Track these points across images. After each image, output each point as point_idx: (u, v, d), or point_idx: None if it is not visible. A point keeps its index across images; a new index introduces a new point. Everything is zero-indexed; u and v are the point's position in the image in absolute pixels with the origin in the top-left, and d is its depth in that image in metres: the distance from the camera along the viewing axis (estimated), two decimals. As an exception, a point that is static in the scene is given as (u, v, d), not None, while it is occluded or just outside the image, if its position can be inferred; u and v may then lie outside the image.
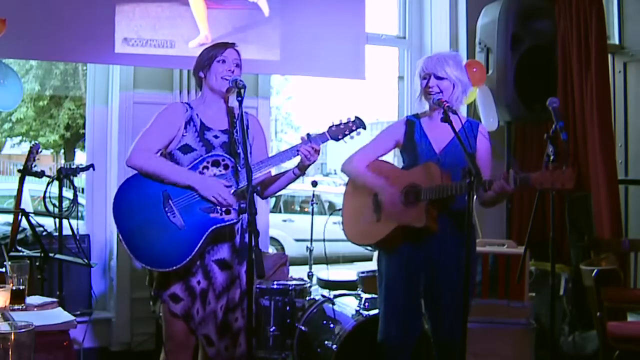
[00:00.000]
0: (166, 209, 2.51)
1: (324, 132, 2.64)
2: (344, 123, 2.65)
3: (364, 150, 2.96)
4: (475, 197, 2.65)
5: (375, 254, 4.33)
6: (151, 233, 2.49)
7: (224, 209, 2.50)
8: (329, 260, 3.92)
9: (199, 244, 2.47)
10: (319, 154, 2.59)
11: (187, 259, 2.46)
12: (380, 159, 2.97)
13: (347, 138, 2.66)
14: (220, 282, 2.59)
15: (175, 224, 2.49)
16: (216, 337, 2.59)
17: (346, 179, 3.11)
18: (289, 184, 2.72)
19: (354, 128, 2.65)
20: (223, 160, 2.57)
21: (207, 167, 2.56)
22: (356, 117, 2.67)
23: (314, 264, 4.07)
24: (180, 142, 2.59)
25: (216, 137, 2.61)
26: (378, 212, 2.89)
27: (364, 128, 2.67)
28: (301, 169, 2.65)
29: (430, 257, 2.83)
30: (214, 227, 2.50)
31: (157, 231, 2.49)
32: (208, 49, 2.66)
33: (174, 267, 2.46)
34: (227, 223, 2.51)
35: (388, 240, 2.83)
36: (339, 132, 2.64)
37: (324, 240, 3.42)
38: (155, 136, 2.59)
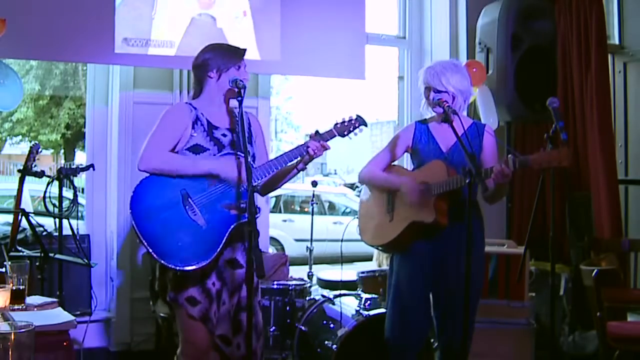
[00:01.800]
0: (186, 207, 2.51)
1: (331, 129, 2.73)
2: (348, 121, 2.74)
3: (377, 158, 3.09)
4: (476, 193, 2.69)
5: (375, 252, 4.37)
6: (173, 233, 2.47)
7: (244, 205, 2.51)
8: (328, 260, 3.93)
9: (224, 240, 2.49)
10: (325, 150, 2.69)
11: (214, 256, 2.47)
12: (392, 164, 3.08)
13: (351, 135, 2.76)
14: (232, 281, 2.60)
15: (197, 222, 2.49)
16: (232, 335, 2.61)
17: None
18: (292, 178, 2.81)
19: (357, 125, 2.75)
20: (237, 158, 2.59)
21: None
22: (358, 116, 2.77)
23: (314, 264, 4.08)
24: (189, 142, 2.59)
25: (224, 135, 2.64)
26: (391, 213, 2.96)
27: (366, 125, 2.78)
28: (306, 163, 2.70)
29: (443, 255, 2.87)
30: (237, 223, 2.51)
31: (179, 231, 2.47)
32: (223, 52, 2.66)
33: (201, 264, 2.45)
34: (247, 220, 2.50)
35: (401, 238, 2.88)
36: (344, 129, 2.73)
37: (341, 240, 3.46)
38: (164, 138, 2.58)
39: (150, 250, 2.44)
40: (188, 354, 2.60)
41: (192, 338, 2.57)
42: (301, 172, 2.81)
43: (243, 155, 2.56)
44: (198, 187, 2.53)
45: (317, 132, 2.69)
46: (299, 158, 2.66)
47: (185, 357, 2.61)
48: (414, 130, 3.03)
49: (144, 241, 2.45)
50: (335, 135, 2.72)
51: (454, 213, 2.82)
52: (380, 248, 3.15)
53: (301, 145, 2.66)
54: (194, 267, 2.45)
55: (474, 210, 2.92)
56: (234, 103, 2.69)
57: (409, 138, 3.02)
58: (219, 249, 2.48)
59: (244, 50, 2.70)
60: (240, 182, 2.53)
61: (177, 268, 2.46)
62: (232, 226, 2.51)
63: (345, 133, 2.73)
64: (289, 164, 2.66)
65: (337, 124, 2.73)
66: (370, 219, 3.06)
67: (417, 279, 2.89)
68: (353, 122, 2.73)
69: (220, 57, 2.64)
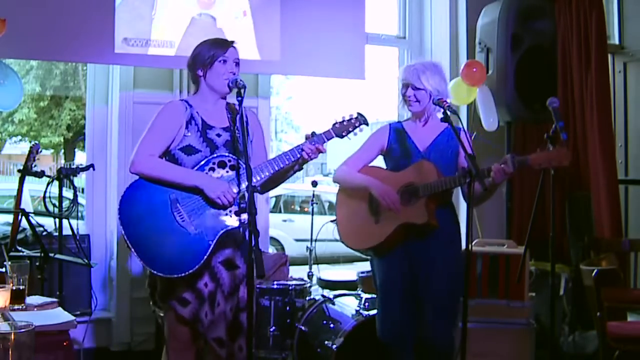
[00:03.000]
0: (175, 213, 2.47)
1: (329, 130, 2.65)
2: (347, 120, 2.67)
3: (351, 159, 3.03)
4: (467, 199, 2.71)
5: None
6: (161, 239, 2.43)
7: (233, 210, 2.48)
8: (328, 260, 3.93)
9: (211, 248, 2.44)
10: (320, 153, 2.62)
11: (200, 263, 2.43)
12: (369, 165, 3.03)
13: (350, 135, 2.68)
14: (228, 283, 2.57)
15: (185, 229, 2.45)
16: (228, 338, 2.56)
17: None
18: (288, 178, 2.76)
19: (357, 125, 2.67)
20: (229, 161, 2.55)
21: (213, 169, 2.53)
22: (359, 114, 2.68)
23: (314, 264, 4.07)
24: (182, 143, 2.55)
25: (219, 135, 2.59)
26: (376, 215, 2.91)
27: (367, 124, 2.69)
28: (301, 165, 2.66)
29: (427, 255, 2.86)
30: (225, 229, 2.48)
31: (166, 237, 2.44)
32: (207, 46, 2.62)
33: (187, 272, 2.41)
34: (237, 227, 2.49)
35: (390, 240, 2.85)
36: (343, 129, 2.66)
37: (316, 240, 3.44)
38: (156, 139, 2.55)
39: (137, 256, 2.42)
40: (173, 348, 2.59)
41: (177, 334, 2.56)
42: (300, 171, 2.77)
43: (236, 158, 2.54)
44: (187, 193, 2.49)
45: (313, 133, 2.62)
46: (293, 161, 2.59)
47: (170, 351, 2.60)
48: (388, 131, 3.00)
49: (131, 246, 2.41)
50: (333, 137, 2.64)
51: (438, 214, 2.83)
52: (365, 252, 3.05)
53: (296, 148, 2.59)
54: (180, 275, 2.41)
55: (450, 212, 2.94)
56: (233, 99, 2.66)
57: (383, 139, 3.00)
58: (205, 257, 2.44)
59: (230, 42, 2.64)
60: (224, 208, 2.47)
61: (164, 275, 2.43)
62: (220, 233, 2.47)
63: (344, 134, 2.65)
64: (283, 167, 2.59)
65: (335, 123, 2.65)
66: (352, 222, 2.99)
67: (403, 279, 2.89)
68: (353, 121, 2.66)
69: (206, 51, 2.59)
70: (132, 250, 2.42)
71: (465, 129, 3.02)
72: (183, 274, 2.42)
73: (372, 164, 3.06)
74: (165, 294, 2.53)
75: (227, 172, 2.54)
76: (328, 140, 2.64)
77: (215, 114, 2.63)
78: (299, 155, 2.58)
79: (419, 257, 2.87)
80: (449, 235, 2.85)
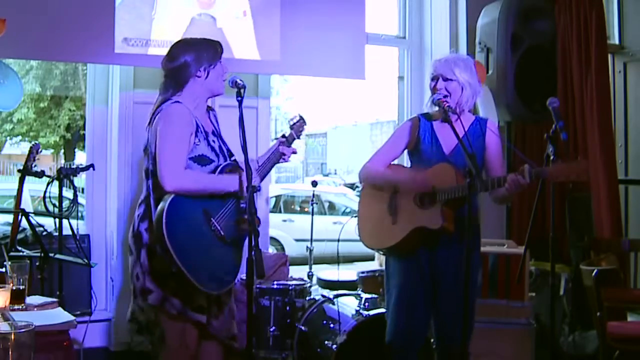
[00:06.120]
0: (212, 228, 2.46)
1: (291, 132, 2.89)
2: (297, 121, 2.93)
3: (378, 155, 2.97)
4: (483, 195, 2.66)
5: (377, 254, 4.36)
6: (206, 257, 2.44)
7: (244, 205, 2.48)
8: (327, 260, 3.94)
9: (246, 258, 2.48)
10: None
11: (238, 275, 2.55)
12: (392, 163, 2.99)
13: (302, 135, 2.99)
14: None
15: (221, 243, 2.47)
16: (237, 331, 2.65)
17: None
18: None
19: (301, 129, 2.95)
20: (236, 166, 2.60)
21: None
22: (299, 116, 2.95)
23: (314, 264, 4.08)
24: (194, 152, 2.48)
25: (214, 141, 2.58)
26: (394, 215, 2.86)
27: (305, 124, 2.97)
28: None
29: (444, 260, 2.80)
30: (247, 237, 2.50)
31: (209, 252, 2.45)
32: (206, 46, 2.58)
33: (229, 286, 2.53)
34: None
35: (404, 243, 2.79)
36: (297, 130, 2.91)
37: (338, 240, 3.45)
38: (182, 151, 2.45)
39: (195, 281, 2.37)
40: (179, 357, 2.55)
41: (187, 342, 2.53)
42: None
43: (235, 162, 2.57)
44: (216, 204, 2.48)
45: (283, 135, 2.88)
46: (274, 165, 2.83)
47: (170, 352, 2.55)
48: (418, 125, 2.91)
49: (186, 272, 2.35)
50: (295, 138, 2.88)
51: (457, 220, 2.75)
52: (381, 252, 3.06)
53: (274, 152, 2.81)
54: (228, 288, 2.53)
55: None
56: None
57: (412, 132, 2.91)
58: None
59: (217, 42, 2.65)
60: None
61: (219, 292, 2.51)
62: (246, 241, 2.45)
63: (299, 135, 2.90)
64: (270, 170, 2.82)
65: (292, 125, 2.91)
66: (371, 220, 2.96)
67: (419, 282, 2.82)
68: (300, 122, 2.93)
69: (205, 52, 2.55)
70: (188, 275, 2.35)
71: (493, 123, 2.99)
72: (229, 286, 2.54)
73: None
74: (186, 306, 2.48)
75: None
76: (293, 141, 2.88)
77: (204, 119, 2.60)
78: (281, 160, 2.81)
79: (441, 262, 2.80)
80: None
